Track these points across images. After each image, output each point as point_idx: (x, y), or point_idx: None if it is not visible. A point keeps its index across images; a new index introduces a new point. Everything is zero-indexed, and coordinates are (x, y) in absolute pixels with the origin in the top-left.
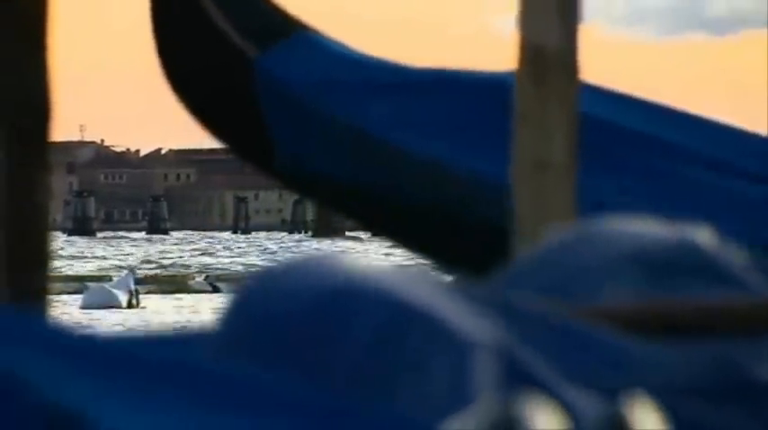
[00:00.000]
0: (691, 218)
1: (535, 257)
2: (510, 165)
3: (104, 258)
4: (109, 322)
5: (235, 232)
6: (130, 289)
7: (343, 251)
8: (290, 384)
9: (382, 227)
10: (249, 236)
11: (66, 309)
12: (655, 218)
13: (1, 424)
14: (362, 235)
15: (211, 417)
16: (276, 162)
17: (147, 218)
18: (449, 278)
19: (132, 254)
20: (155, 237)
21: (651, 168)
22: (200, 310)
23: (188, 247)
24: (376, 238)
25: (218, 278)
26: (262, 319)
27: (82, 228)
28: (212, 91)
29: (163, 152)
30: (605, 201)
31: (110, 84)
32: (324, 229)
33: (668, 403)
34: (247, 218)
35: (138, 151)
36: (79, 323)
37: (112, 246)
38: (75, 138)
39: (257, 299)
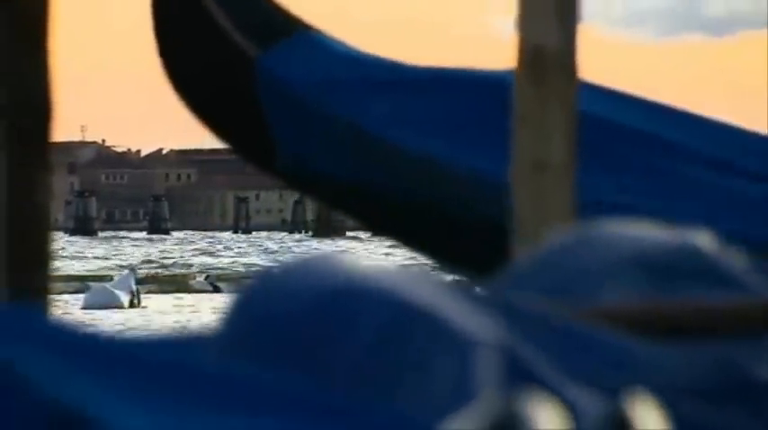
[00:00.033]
0: (690, 216)
1: (537, 259)
2: (510, 164)
3: (105, 258)
4: (111, 322)
5: (235, 232)
6: (132, 289)
7: (343, 251)
8: (293, 384)
9: (383, 225)
10: (250, 236)
11: (68, 309)
12: (654, 216)
13: (2, 420)
14: (362, 234)
15: (214, 417)
16: (278, 161)
17: (148, 218)
18: (449, 277)
19: (133, 254)
20: (156, 236)
21: (651, 167)
22: (201, 310)
23: (189, 247)
24: (376, 238)
25: (219, 278)
26: (264, 320)
27: (83, 227)
28: (214, 90)
29: (164, 152)
30: (604, 200)
31: (111, 84)
32: (324, 229)
33: (669, 403)
34: (248, 218)
35: (139, 151)
36: (81, 323)
37: (114, 246)
38: (77, 138)
39: (259, 299)
